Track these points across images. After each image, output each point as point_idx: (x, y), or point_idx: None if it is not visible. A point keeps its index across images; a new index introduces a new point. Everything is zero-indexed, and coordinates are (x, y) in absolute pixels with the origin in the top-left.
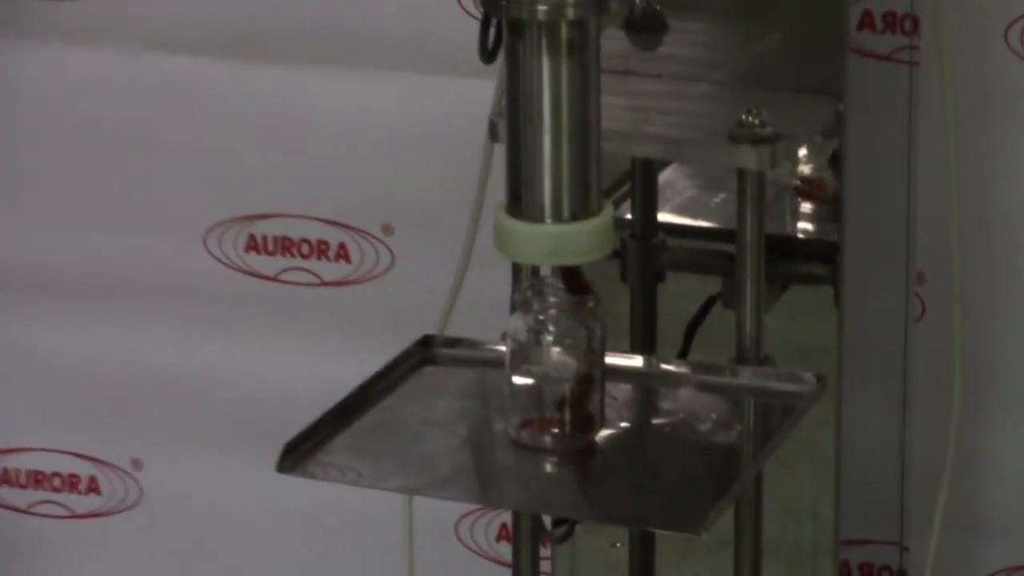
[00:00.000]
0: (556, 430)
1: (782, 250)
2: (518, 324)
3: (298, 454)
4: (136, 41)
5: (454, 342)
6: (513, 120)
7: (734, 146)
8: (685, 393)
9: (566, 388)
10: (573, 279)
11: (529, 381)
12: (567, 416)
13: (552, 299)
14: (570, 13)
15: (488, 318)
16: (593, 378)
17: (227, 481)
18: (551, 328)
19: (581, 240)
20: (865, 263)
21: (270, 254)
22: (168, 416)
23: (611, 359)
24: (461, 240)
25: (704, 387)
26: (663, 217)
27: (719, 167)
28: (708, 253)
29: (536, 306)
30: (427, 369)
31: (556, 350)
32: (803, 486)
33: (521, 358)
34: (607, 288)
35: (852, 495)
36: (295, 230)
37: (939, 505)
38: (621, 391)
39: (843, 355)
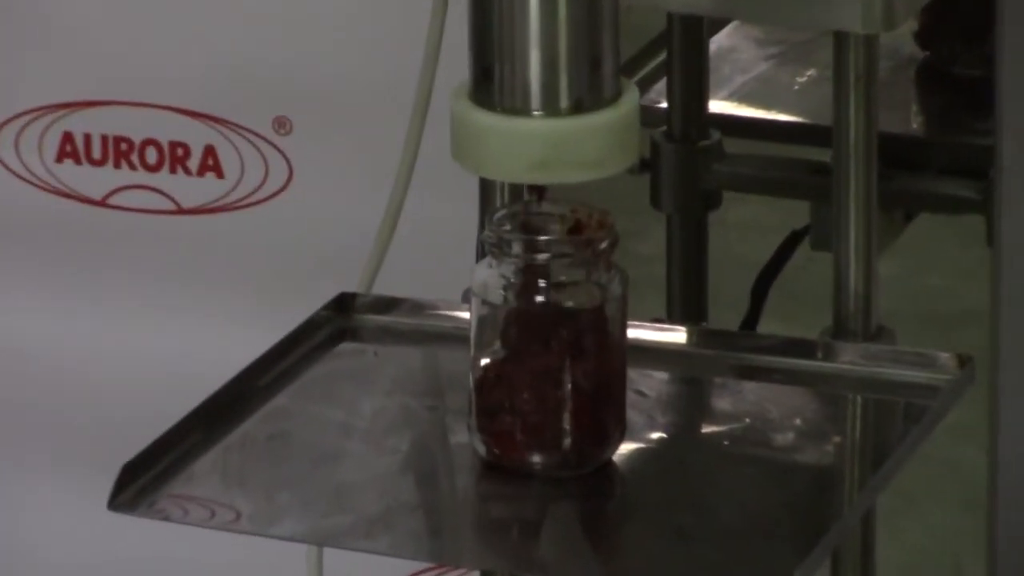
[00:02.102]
0: (549, 443)
1: (904, 160)
2: (489, 277)
3: (143, 482)
4: None
5: (387, 304)
6: None
7: None
8: (753, 386)
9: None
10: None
11: None
12: (567, 421)
13: (543, 237)
14: None
15: (441, 266)
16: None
17: (37, 519)
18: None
19: (588, 143)
20: None
21: (96, 163)
22: None
23: (636, 331)
24: (399, 144)
25: (782, 376)
26: (716, 107)
27: (804, 28)
28: (787, 164)
29: (517, 249)
30: (345, 346)
31: None
32: (938, 530)
33: (494, 329)
34: (630, 220)
35: (1014, 543)
36: (136, 126)
37: None
38: (653, 382)
39: (1001, 326)
